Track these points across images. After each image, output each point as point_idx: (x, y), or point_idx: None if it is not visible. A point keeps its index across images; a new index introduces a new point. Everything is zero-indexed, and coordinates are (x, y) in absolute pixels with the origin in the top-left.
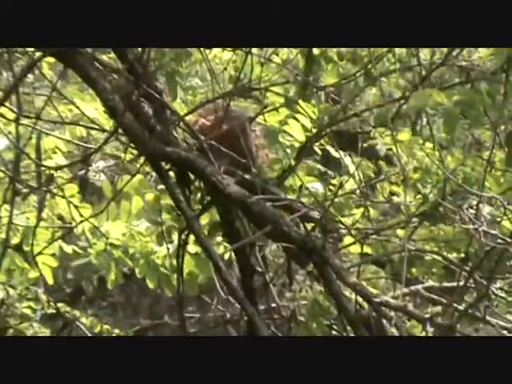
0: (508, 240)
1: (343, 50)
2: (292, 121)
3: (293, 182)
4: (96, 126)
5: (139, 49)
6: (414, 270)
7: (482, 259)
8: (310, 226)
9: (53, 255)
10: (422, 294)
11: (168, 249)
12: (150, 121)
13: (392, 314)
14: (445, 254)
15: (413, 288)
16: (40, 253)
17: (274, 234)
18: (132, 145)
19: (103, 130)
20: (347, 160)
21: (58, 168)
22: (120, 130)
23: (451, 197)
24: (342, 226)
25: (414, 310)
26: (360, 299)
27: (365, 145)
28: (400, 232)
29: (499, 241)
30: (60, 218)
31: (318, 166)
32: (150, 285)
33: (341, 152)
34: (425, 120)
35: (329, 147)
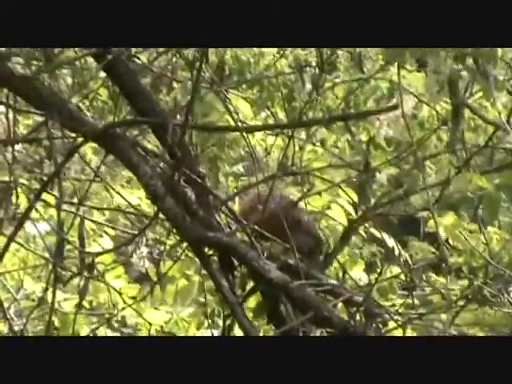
0: None
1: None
2: (334, 205)
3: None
4: (137, 212)
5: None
6: None
7: None
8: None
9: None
10: None
11: (212, 334)
12: (192, 206)
13: None
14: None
15: None
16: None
17: (317, 320)
18: (174, 230)
19: (145, 216)
20: (391, 242)
21: (99, 254)
22: (162, 216)
23: (494, 280)
24: (384, 311)
25: None
26: None
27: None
28: (445, 317)
29: None
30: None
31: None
32: None
33: (384, 235)
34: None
35: (373, 229)
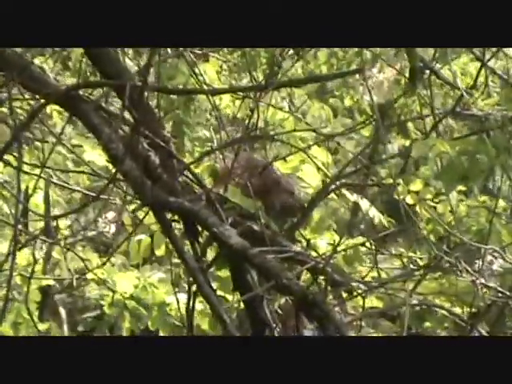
0: (508, 293)
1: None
2: (306, 166)
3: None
4: (96, 173)
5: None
6: (427, 324)
7: (483, 313)
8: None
9: None
10: None
11: (177, 300)
12: (156, 170)
13: None
14: (448, 307)
15: None
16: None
17: (278, 287)
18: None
19: (105, 178)
20: (364, 203)
21: (57, 217)
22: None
23: (454, 249)
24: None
25: None
26: None
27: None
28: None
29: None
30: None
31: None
32: None
33: (356, 196)
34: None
35: (345, 191)
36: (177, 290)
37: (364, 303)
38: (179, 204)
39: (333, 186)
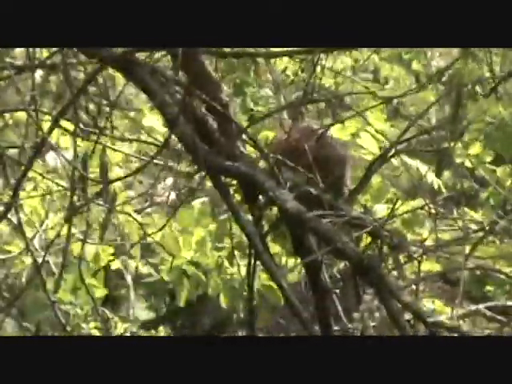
0: None
1: None
2: (364, 133)
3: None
4: (151, 142)
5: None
6: (488, 288)
7: None
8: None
9: None
10: (485, 312)
11: (238, 265)
12: (214, 134)
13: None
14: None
15: (473, 308)
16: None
17: (333, 252)
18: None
19: (156, 145)
20: (424, 168)
21: (111, 182)
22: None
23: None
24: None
25: (469, 330)
26: None
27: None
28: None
29: None
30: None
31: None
32: (223, 303)
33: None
34: None
35: (406, 157)
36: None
37: (420, 267)
38: (236, 168)
39: (390, 153)
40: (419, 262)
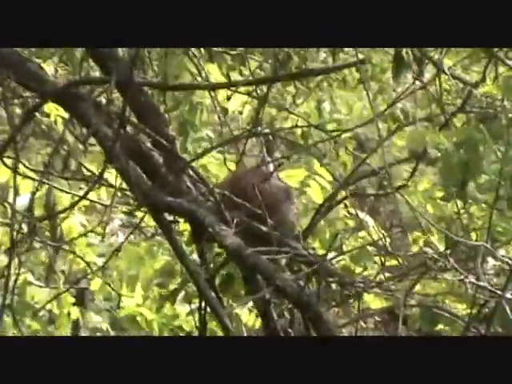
0: (498, 292)
1: None
2: (313, 182)
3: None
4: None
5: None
6: (440, 327)
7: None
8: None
9: None
10: None
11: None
12: (158, 169)
13: None
14: (443, 306)
15: None
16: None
17: (275, 289)
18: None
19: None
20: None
21: (42, 219)
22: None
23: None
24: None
25: None
26: None
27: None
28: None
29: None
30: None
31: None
32: None
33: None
34: None
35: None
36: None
37: (359, 304)
38: (177, 204)
39: (338, 198)
40: (358, 299)
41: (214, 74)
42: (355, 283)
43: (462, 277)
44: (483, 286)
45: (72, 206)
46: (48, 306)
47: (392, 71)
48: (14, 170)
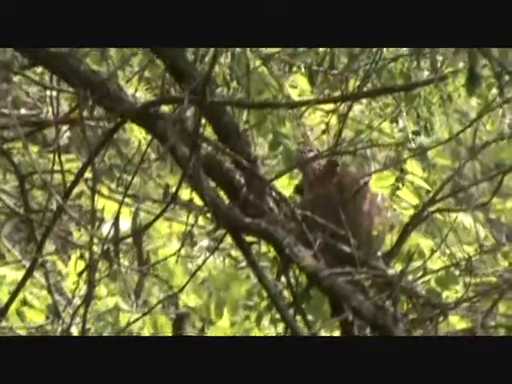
0: None
1: None
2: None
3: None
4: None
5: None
6: None
7: None
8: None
9: None
10: None
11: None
12: (241, 190)
13: None
14: None
15: None
16: None
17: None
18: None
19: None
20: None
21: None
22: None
23: None
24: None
25: None
26: None
27: None
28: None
29: None
30: None
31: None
32: None
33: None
34: None
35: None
36: None
37: (436, 325)
38: (255, 225)
39: (425, 213)
40: (436, 321)
41: (301, 83)
42: (433, 304)
43: None
44: None
45: (146, 226)
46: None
47: (466, 87)
48: (93, 191)
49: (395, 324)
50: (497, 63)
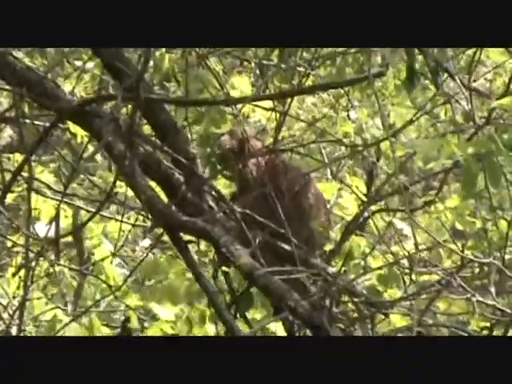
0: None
1: None
2: (346, 193)
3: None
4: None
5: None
6: None
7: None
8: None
9: None
10: None
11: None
12: (179, 188)
13: None
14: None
15: None
16: None
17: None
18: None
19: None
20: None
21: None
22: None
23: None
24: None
25: None
26: None
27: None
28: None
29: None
30: None
31: None
32: None
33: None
34: None
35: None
36: None
37: (373, 326)
38: (192, 223)
39: (366, 214)
40: (372, 320)
41: (242, 85)
42: (371, 303)
43: (469, 295)
44: (491, 304)
45: (86, 222)
46: None
47: (404, 85)
48: (29, 190)
49: (331, 324)
50: (432, 60)
